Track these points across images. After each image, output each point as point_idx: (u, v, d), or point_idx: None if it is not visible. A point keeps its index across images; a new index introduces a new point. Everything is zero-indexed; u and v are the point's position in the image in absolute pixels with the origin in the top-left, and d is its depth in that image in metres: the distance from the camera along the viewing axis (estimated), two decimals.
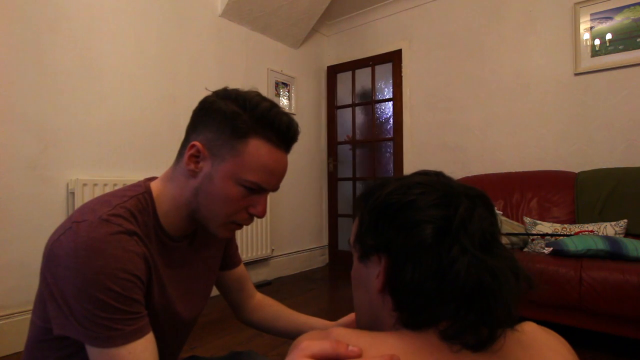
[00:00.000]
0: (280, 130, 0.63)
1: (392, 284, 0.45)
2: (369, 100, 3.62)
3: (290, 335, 0.90)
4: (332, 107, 3.75)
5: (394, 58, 3.33)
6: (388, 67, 3.42)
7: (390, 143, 3.47)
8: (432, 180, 0.47)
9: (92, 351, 0.54)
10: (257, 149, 0.61)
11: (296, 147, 0.73)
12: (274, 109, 0.63)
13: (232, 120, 0.61)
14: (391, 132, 3.43)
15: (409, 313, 0.44)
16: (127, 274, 0.55)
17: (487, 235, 0.42)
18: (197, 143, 0.62)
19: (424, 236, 0.42)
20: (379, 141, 3.54)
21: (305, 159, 3.54)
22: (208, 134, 0.62)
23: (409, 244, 0.43)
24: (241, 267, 0.92)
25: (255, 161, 0.61)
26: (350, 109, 3.70)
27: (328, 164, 3.75)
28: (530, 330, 0.47)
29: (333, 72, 3.73)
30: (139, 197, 0.63)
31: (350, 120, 3.69)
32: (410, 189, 0.46)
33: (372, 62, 3.50)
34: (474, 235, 0.41)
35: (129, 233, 0.57)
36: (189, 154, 0.63)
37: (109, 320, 0.53)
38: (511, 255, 0.43)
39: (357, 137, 3.67)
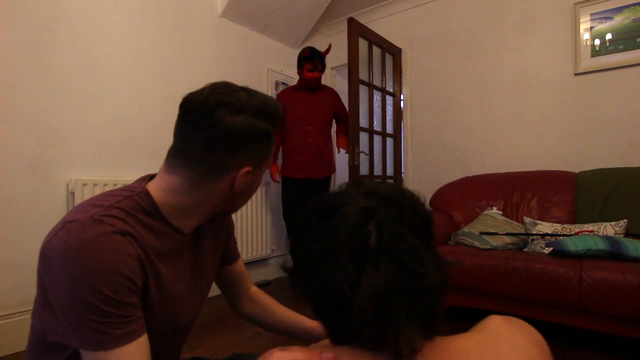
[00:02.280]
0: (278, 113, 0.70)
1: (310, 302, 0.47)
2: (380, 87, 3.14)
3: (277, 331, 0.92)
4: (355, 76, 2.68)
5: (395, 52, 3.29)
6: (390, 59, 3.28)
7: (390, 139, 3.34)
8: (333, 193, 0.47)
9: (83, 354, 0.54)
10: None
11: None
12: (268, 100, 0.68)
13: (268, 135, 0.66)
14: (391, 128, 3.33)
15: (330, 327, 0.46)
16: (119, 276, 0.53)
17: (366, 249, 0.40)
18: (249, 168, 0.64)
19: (313, 252, 0.43)
20: (388, 136, 3.24)
21: None
22: (252, 155, 0.65)
23: (304, 260, 0.45)
24: (239, 262, 0.92)
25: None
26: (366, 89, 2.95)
27: (355, 153, 2.66)
28: (493, 328, 0.45)
29: (356, 29, 2.72)
30: (134, 197, 0.61)
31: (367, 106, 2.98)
32: (309, 207, 0.47)
33: (385, 45, 3.10)
34: (345, 250, 0.40)
35: (122, 233, 0.56)
36: (241, 180, 0.64)
37: (99, 324, 0.52)
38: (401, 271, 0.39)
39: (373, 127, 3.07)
